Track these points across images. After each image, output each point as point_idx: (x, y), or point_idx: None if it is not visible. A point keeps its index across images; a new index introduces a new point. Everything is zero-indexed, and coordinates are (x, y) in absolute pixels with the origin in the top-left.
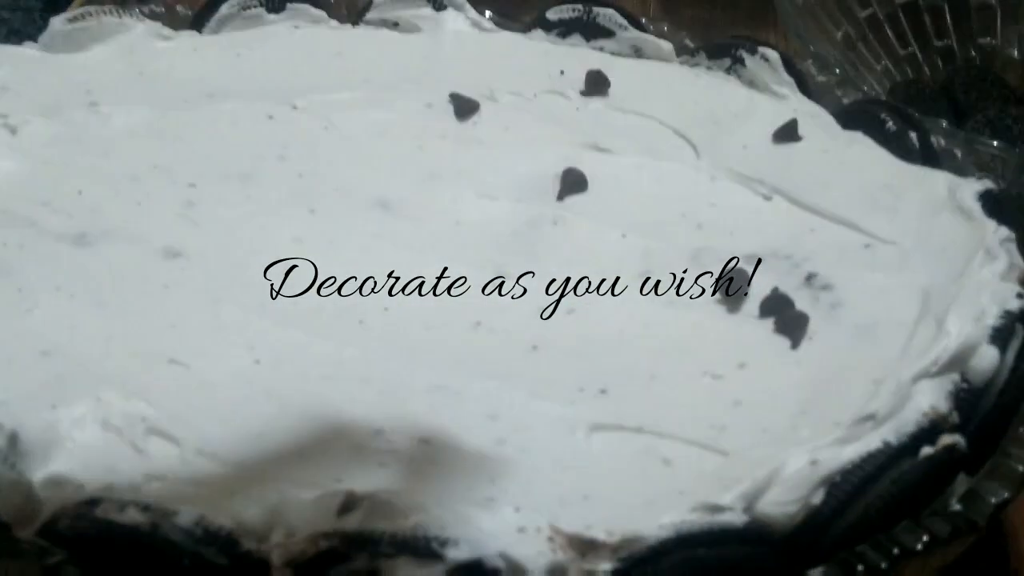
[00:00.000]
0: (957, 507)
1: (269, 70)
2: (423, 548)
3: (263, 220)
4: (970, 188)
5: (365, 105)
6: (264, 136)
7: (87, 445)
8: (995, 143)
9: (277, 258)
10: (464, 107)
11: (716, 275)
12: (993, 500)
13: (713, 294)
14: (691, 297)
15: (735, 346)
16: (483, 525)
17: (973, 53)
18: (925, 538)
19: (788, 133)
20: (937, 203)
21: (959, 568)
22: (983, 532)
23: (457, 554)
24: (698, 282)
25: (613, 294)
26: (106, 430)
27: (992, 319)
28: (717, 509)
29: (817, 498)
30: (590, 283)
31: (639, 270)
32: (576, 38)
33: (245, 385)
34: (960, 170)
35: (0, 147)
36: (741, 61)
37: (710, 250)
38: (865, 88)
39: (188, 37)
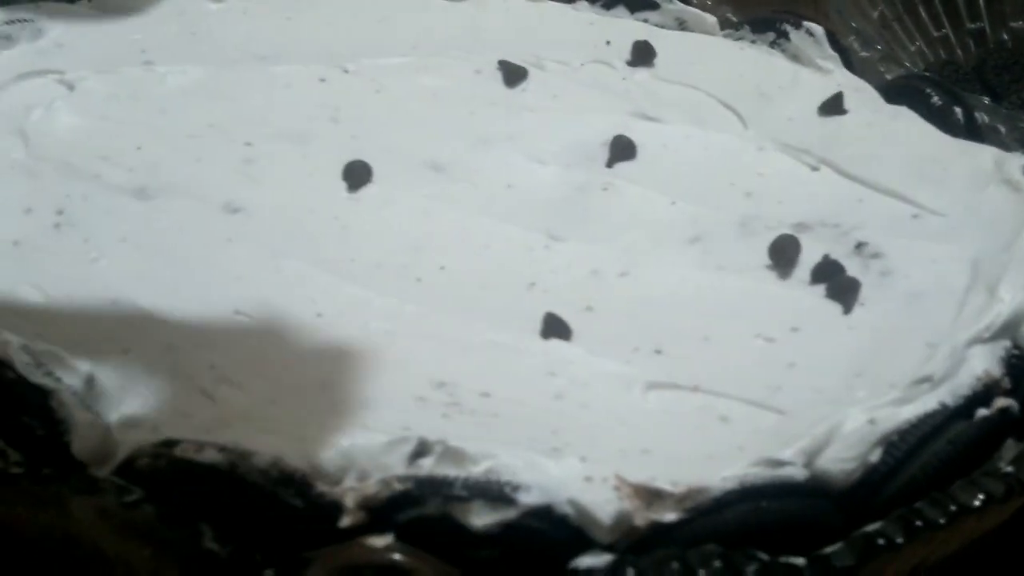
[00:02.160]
0: (1009, 469)
1: (318, 33)
2: (496, 492)
3: (319, 179)
4: (1016, 162)
5: (415, 70)
6: (317, 98)
7: (159, 390)
8: None
9: (335, 216)
10: (513, 74)
11: (766, 241)
12: None
13: (764, 261)
14: (742, 263)
15: (787, 311)
16: (552, 473)
17: (1005, 36)
18: (981, 496)
19: (834, 106)
20: (984, 176)
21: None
22: None
23: (528, 499)
24: (748, 248)
25: (664, 258)
26: (177, 376)
27: None
28: (778, 464)
29: (875, 456)
30: (641, 247)
31: (689, 235)
32: (620, 9)
33: (309, 337)
34: (1004, 145)
35: (59, 102)
36: (785, 35)
37: (759, 217)
38: (908, 65)
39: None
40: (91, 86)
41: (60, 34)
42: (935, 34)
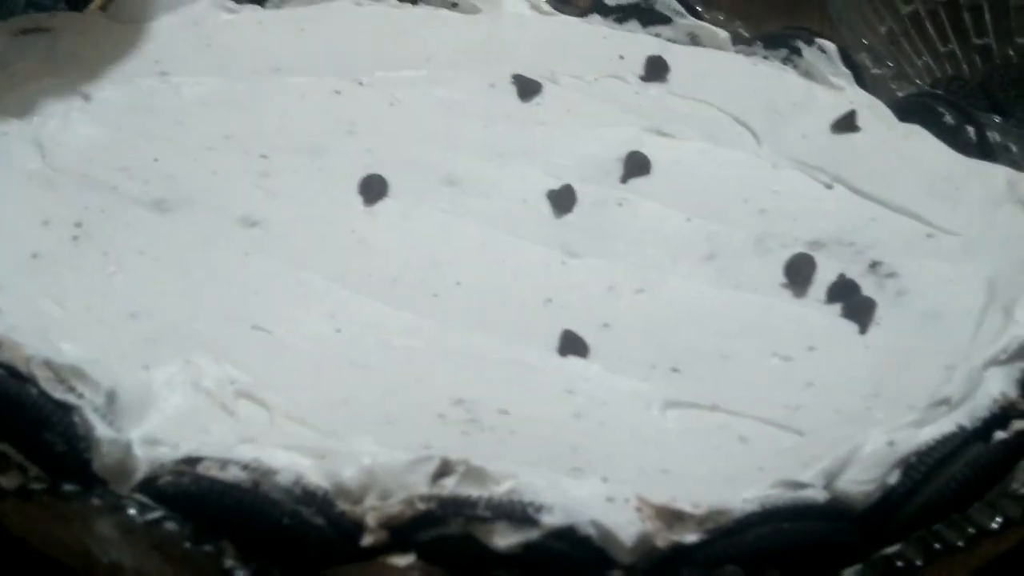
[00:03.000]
0: None
1: (333, 46)
2: (519, 513)
3: (335, 193)
4: None
5: (429, 83)
6: (332, 111)
7: (179, 406)
8: None
9: (351, 230)
10: (527, 88)
11: (781, 259)
12: None
13: (780, 279)
14: (757, 281)
15: (803, 330)
16: (574, 493)
17: (1011, 52)
18: (999, 519)
19: (847, 124)
20: (998, 195)
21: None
22: None
23: (551, 520)
24: (763, 266)
25: (680, 275)
26: (197, 392)
27: None
28: (799, 486)
29: (893, 478)
30: (657, 263)
31: (704, 252)
32: (633, 24)
33: (328, 352)
34: (1016, 164)
35: (75, 113)
36: (798, 52)
37: (774, 235)
38: (919, 82)
39: (252, 10)
40: (107, 96)
41: (75, 44)
42: (942, 50)
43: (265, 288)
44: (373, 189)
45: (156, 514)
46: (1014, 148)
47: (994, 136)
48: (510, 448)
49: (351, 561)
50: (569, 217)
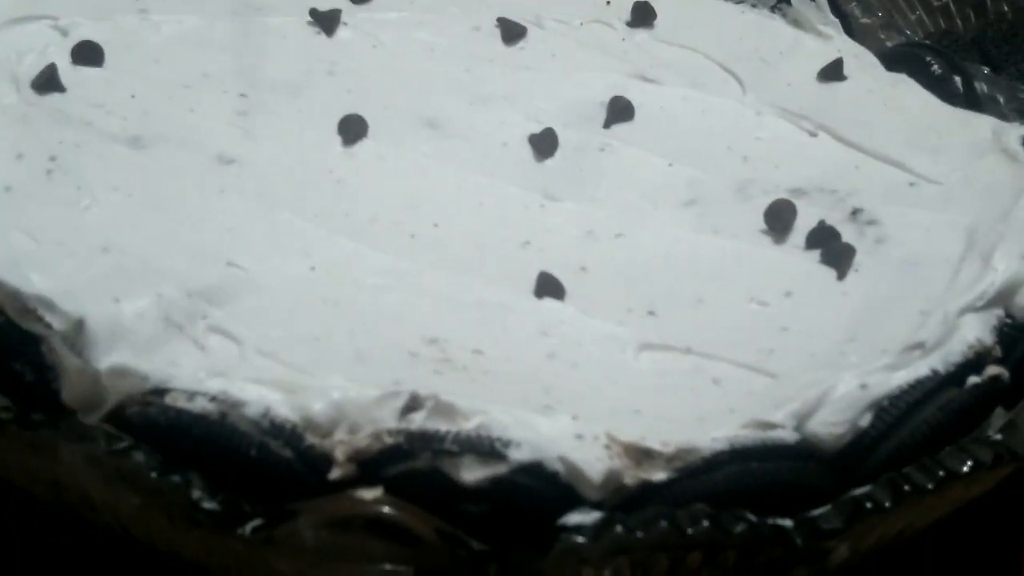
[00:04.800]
0: (998, 437)
1: None
2: (486, 448)
3: (314, 132)
4: (1015, 132)
5: (412, 26)
6: (313, 51)
7: (150, 338)
8: None
9: (329, 170)
10: (511, 32)
11: (761, 206)
12: None
13: (760, 225)
14: (737, 227)
15: (781, 275)
16: (542, 430)
17: (1005, 8)
18: (970, 463)
19: (833, 72)
20: (982, 145)
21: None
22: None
23: (519, 455)
24: (744, 212)
25: (660, 220)
26: (168, 325)
27: None
28: (769, 426)
29: (865, 420)
30: (637, 208)
31: (685, 198)
32: None
33: (302, 290)
34: (1002, 115)
35: (52, 48)
36: (787, 0)
37: (755, 182)
38: (908, 32)
39: None
40: (85, 32)
41: None
42: (935, 4)
43: (240, 225)
44: (352, 129)
45: (123, 444)
46: (1001, 99)
47: (982, 87)
48: (482, 387)
49: (319, 494)
50: (550, 161)
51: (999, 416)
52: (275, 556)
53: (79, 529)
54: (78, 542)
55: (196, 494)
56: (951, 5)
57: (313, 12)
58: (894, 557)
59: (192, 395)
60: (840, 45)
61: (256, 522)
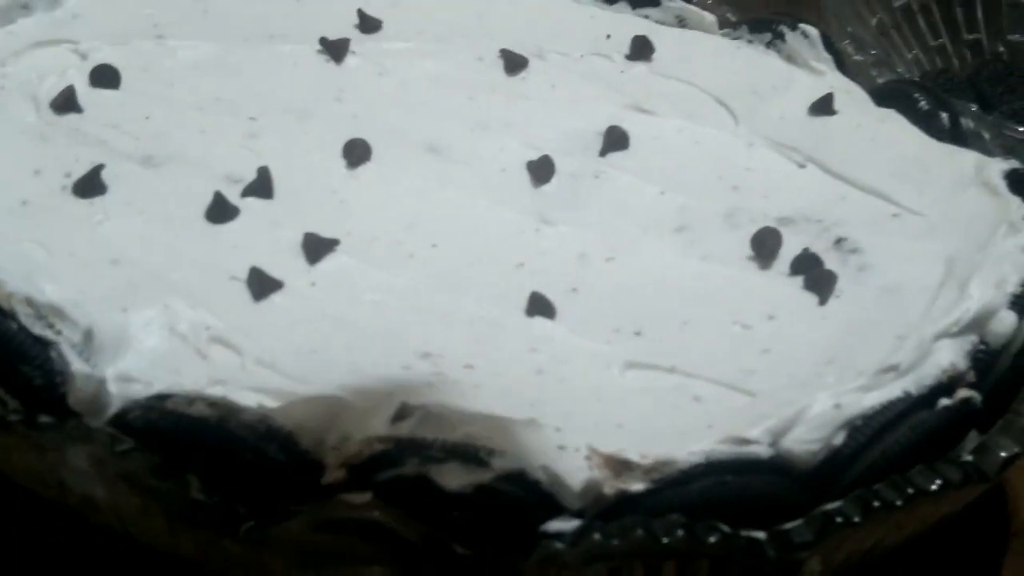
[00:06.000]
0: (969, 458)
1: (327, 16)
2: (471, 455)
3: (320, 155)
4: (997, 167)
5: (418, 55)
6: (322, 78)
7: (154, 348)
8: (1021, 128)
9: (333, 191)
10: (513, 63)
11: (749, 234)
12: (1003, 453)
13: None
14: (724, 253)
15: (765, 300)
16: (526, 441)
17: (1001, 48)
18: (938, 481)
19: (824, 106)
20: (965, 179)
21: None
22: (992, 482)
23: (502, 463)
24: (731, 239)
25: (650, 245)
26: (172, 335)
27: (1012, 287)
28: (745, 441)
29: (839, 439)
30: (628, 233)
31: (676, 224)
32: (622, 5)
33: (302, 304)
34: (987, 151)
35: (72, 71)
36: (781, 36)
37: (744, 210)
38: (900, 69)
39: None
40: (103, 56)
41: (76, 5)
42: (932, 43)
43: (244, 242)
44: (356, 153)
45: (125, 446)
46: (987, 135)
47: (968, 123)
48: (472, 401)
49: (311, 498)
50: (546, 187)
51: (973, 440)
52: (268, 556)
53: (81, 530)
54: (80, 543)
55: (194, 495)
56: (948, 45)
57: (323, 41)
58: (867, 572)
59: (192, 400)
60: (832, 81)
61: (250, 523)
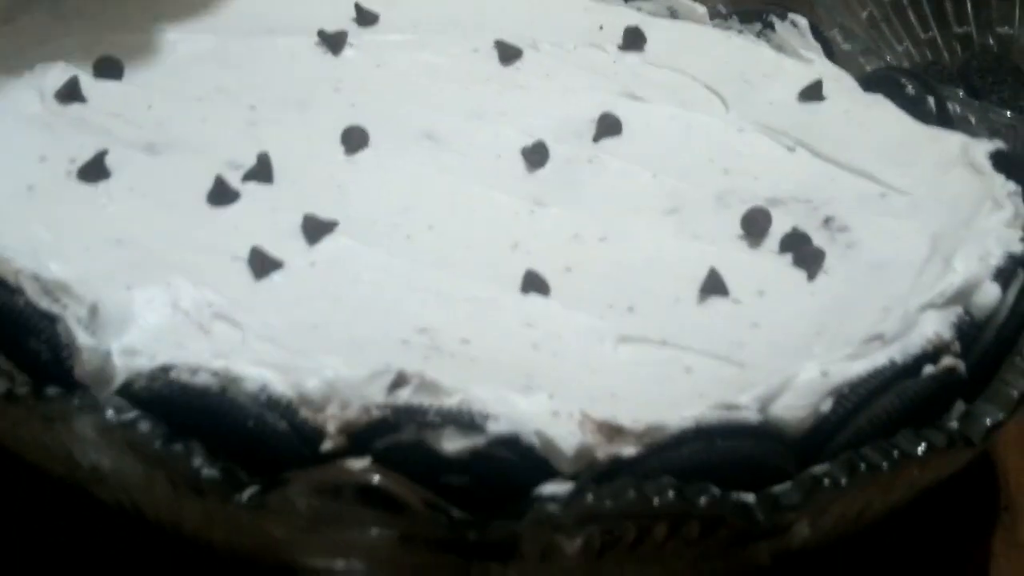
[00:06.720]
0: (953, 423)
1: (325, 10)
2: (466, 421)
3: (318, 142)
4: (982, 147)
5: (415, 47)
6: (320, 69)
7: (158, 323)
8: (1008, 113)
9: (331, 176)
10: (508, 53)
11: (739, 214)
12: (988, 420)
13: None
14: (715, 233)
15: (755, 276)
16: (521, 406)
17: (991, 40)
18: (924, 445)
19: (813, 93)
20: (950, 159)
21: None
22: (978, 448)
23: (497, 428)
24: (722, 219)
25: (642, 226)
26: (175, 311)
27: (996, 260)
28: (734, 407)
29: (826, 406)
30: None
31: (667, 206)
32: None
33: (302, 283)
34: (974, 134)
35: (76, 64)
36: (771, 26)
37: (735, 192)
38: (889, 58)
39: None
40: (107, 49)
41: (79, 1)
42: (922, 36)
43: (245, 224)
44: (354, 139)
45: (131, 415)
46: (973, 119)
47: (954, 107)
48: (468, 373)
49: (311, 464)
50: (540, 172)
51: (959, 409)
52: (270, 522)
53: (88, 506)
54: (86, 523)
55: (197, 462)
56: (938, 38)
57: (321, 33)
58: (857, 543)
59: (195, 371)
60: (821, 68)
61: (252, 489)
